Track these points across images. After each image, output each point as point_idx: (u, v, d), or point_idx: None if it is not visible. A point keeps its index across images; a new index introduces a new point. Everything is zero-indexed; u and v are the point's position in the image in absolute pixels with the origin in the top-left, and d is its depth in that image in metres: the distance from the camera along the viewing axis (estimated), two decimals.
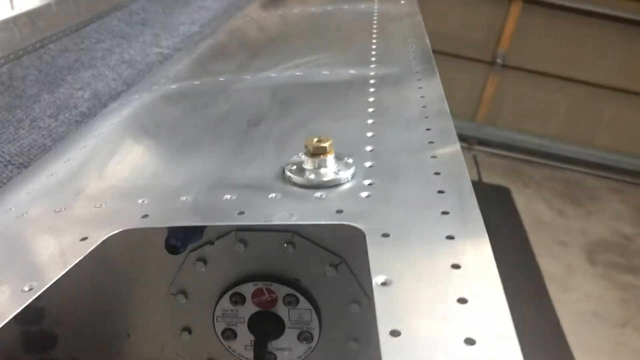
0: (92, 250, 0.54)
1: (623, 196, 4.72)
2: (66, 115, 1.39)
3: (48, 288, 0.50)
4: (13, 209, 0.66)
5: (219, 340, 0.74)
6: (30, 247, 0.57)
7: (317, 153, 0.64)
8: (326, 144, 0.64)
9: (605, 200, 4.62)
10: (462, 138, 4.95)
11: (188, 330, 0.75)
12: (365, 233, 0.53)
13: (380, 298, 0.45)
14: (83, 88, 1.52)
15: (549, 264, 3.67)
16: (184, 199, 0.62)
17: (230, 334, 0.73)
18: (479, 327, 0.42)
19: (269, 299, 0.70)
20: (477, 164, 4.76)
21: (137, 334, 0.76)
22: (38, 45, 1.66)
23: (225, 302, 0.70)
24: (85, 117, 1.39)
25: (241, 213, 0.58)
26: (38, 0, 1.76)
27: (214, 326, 0.73)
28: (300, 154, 0.67)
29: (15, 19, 1.61)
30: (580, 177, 4.88)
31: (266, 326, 0.71)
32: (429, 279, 0.47)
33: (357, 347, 0.74)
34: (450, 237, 0.52)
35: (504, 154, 4.95)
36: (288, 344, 0.73)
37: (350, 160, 0.66)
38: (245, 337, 0.74)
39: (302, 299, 0.69)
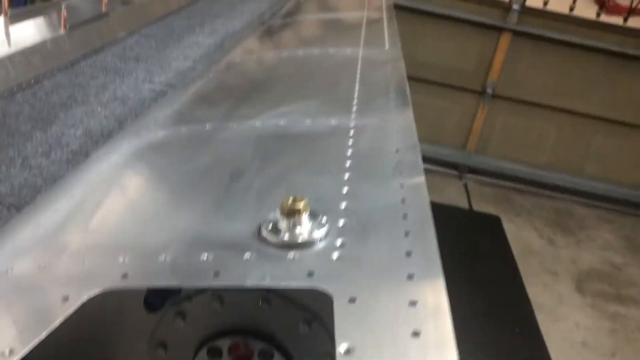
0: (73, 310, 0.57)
1: (613, 225, 4.77)
2: (58, 153, 1.42)
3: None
4: None
5: None
6: (13, 307, 0.60)
7: (291, 213, 0.67)
8: (301, 204, 0.67)
9: (595, 229, 4.66)
10: (454, 166, 5.01)
11: None
12: (333, 297, 0.56)
13: None
14: (75, 125, 1.55)
15: (538, 293, 3.69)
16: (163, 257, 0.64)
17: None
18: None
19: (245, 352, 0.72)
20: (467, 192, 4.81)
21: None
22: (32, 81, 1.69)
23: (203, 355, 0.73)
24: (77, 155, 1.42)
25: (217, 274, 0.60)
26: (34, 38, 1.80)
27: None
28: (277, 210, 0.70)
29: (10, 57, 1.64)
30: (571, 206, 4.93)
31: None
32: (389, 347, 0.50)
33: None
34: (412, 303, 0.55)
35: (495, 183, 5.00)
36: None
37: (324, 219, 0.69)
38: None
39: (276, 353, 0.72)
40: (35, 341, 0.53)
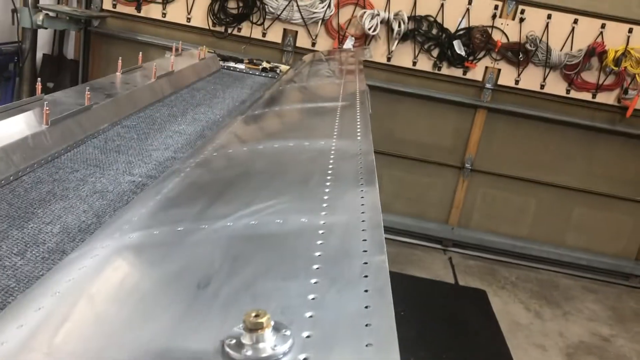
0: None
1: (598, 295, 4.76)
2: (33, 252, 1.42)
3: None
4: None
5: None
6: None
7: (254, 329, 0.68)
8: (263, 319, 0.68)
9: (580, 300, 4.65)
10: (437, 240, 5.03)
11: None
12: None
13: None
14: (53, 222, 1.56)
15: None
16: None
17: None
18: None
19: None
20: (452, 266, 4.80)
21: None
22: (12, 178, 1.71)
23: None
24: (53, 254, 1.42)
25: None
26: (16, 134, 1.84)
27: None
28: (241, 325, 0.71)
29: None
30: (555, 277, 4.94)
31: None
32: None
33: None
34: None
35: (479, 255, 5.02)
36: None
37: (288, 333, 0.70)
38: None
39: None
40: None
